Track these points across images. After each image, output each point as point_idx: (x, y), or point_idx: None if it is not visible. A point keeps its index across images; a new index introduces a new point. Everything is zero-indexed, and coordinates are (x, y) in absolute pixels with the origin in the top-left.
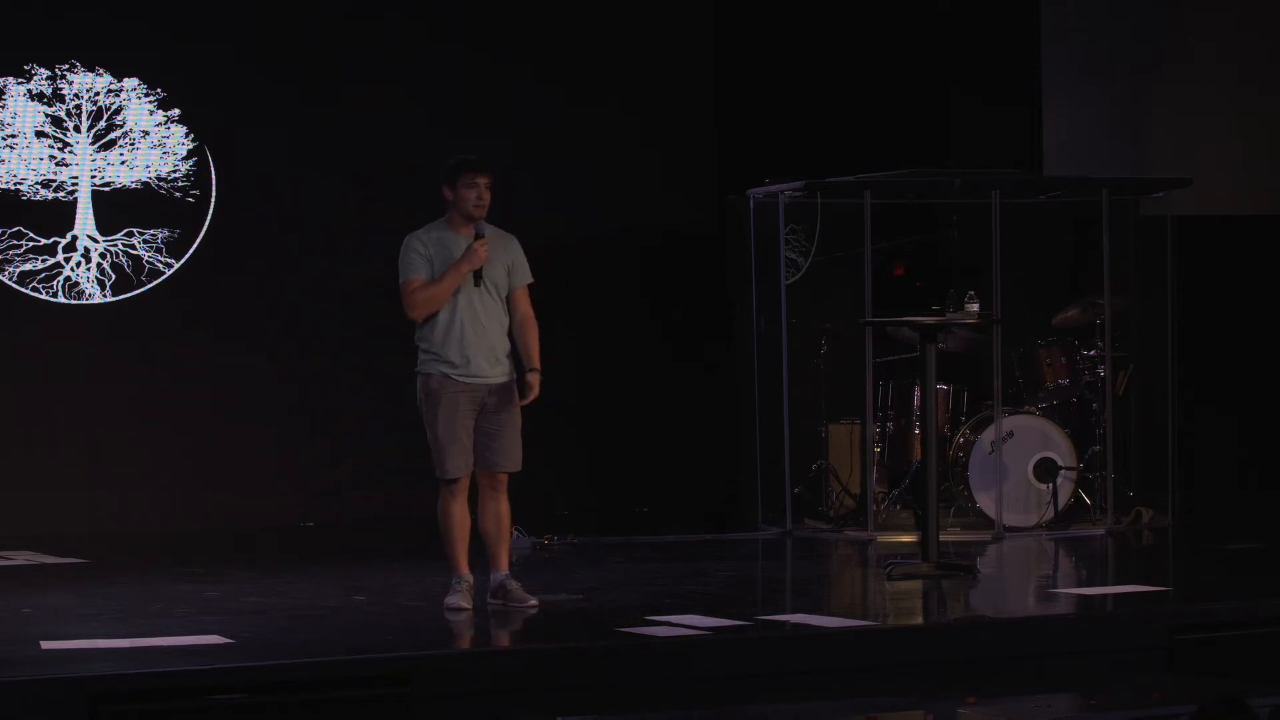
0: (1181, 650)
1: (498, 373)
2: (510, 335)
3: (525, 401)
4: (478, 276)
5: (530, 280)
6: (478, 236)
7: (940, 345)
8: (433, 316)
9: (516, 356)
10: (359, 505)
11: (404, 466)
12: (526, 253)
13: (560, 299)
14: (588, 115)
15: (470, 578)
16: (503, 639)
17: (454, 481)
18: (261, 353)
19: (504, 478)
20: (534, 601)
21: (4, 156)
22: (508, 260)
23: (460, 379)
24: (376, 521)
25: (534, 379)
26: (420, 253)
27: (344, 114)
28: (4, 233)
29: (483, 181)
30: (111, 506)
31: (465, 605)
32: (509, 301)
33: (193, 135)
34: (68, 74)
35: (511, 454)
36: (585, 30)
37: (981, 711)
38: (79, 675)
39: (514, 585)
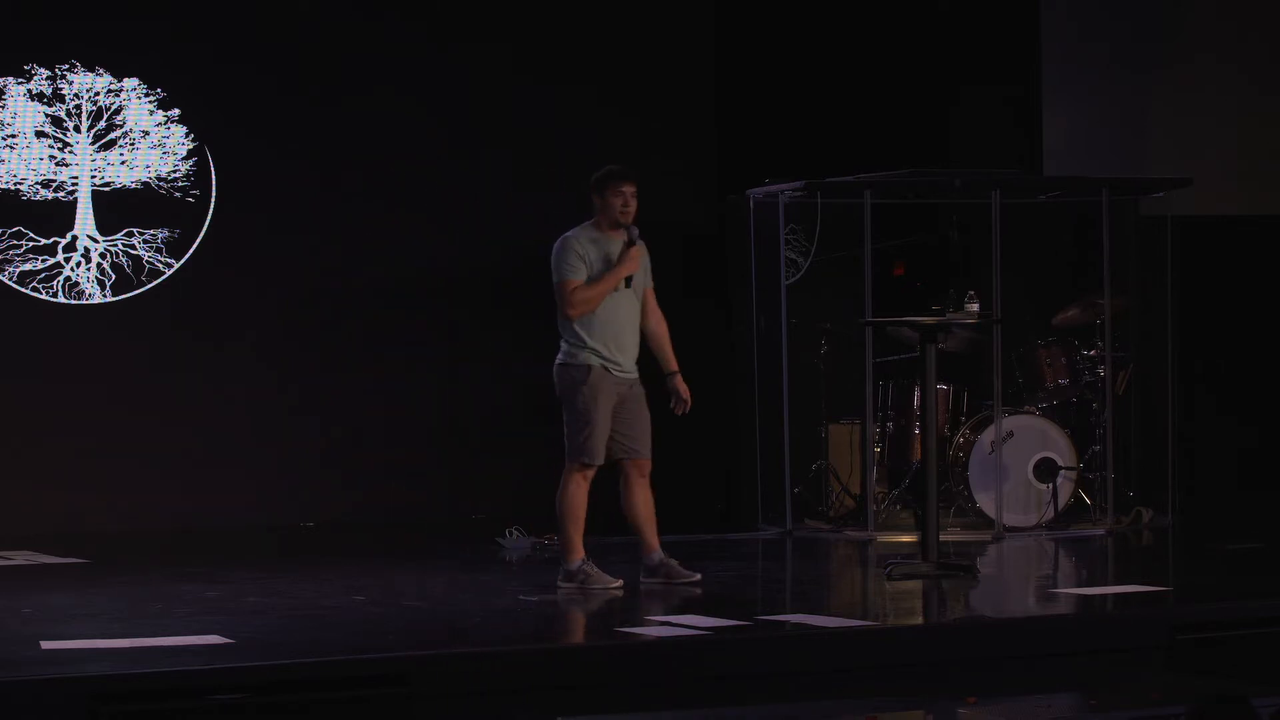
0: (1181, 650)
1: (633, 370)
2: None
3: (686, 409)
4: (628, 279)
5: (652, 284)
6: (631, 242)
7: (940, 345)
8: (590, 314)
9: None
10: (359, 505)
11: (404, 467)
12: (528, 253)
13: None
14: (588, 115)
15: (583, 559)
16: (503, 639)
17: (592, 468)
18: (261, 353)
19: (649, 464)
20: (696, 577)
21: (4, 156)
22: (645, 264)
23: (615, 373)
24: (376, 521)
25: (680, 382)
26: (578, 254)
27: (344, 114)
28: (4, 233)
29: (628, 190)
30: (111, 506)
31: (616, 581)
32: (643, 303)
33: (193, 135)
34: (68, 74)
35: (649, 442)
36: (585, 30)
37: (981, 711)
38: (79, 675)
39: (673, 562)
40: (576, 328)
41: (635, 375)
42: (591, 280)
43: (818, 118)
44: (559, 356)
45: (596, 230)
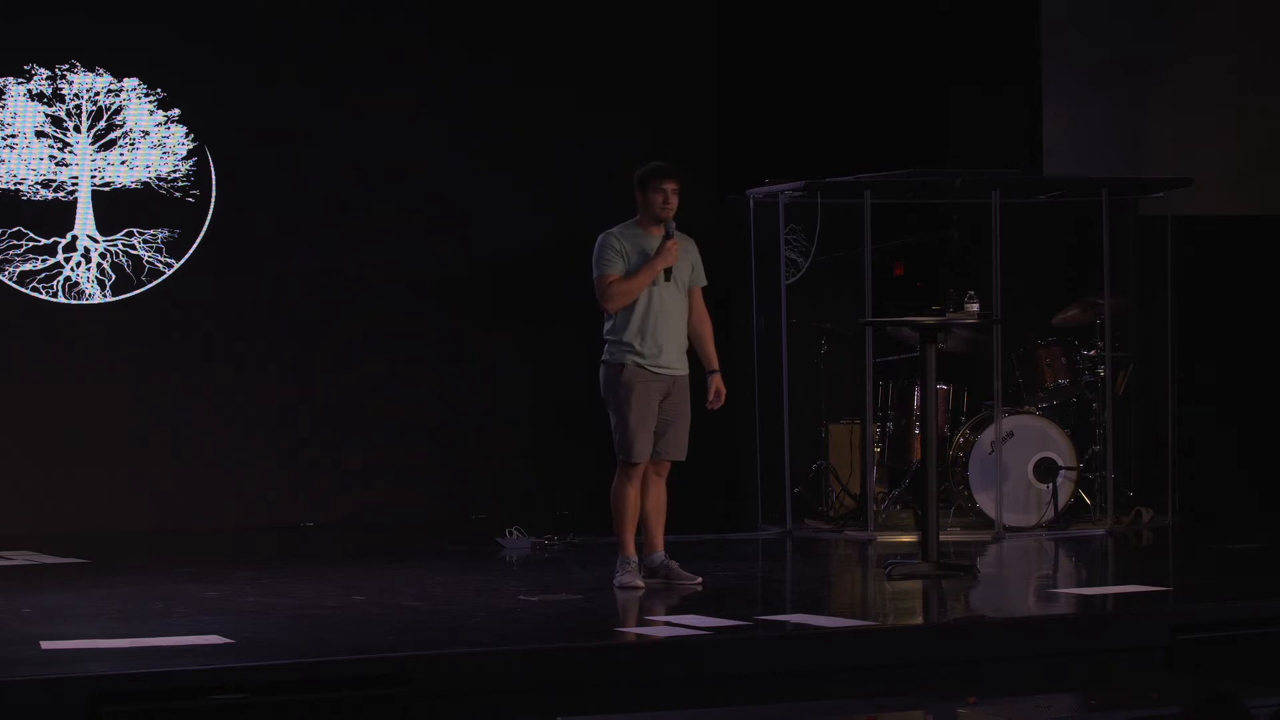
0: (1181, 650)
1: (680, 366)
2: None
3: (718, 405)
4: (668, 273)
5: (705, 283)
6: (668, 236)
7: (940, 345)
8: (627, 309)
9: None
10: (359, 505)
11: (404, 467)
12: (528, 253)
13: (561, 299)
14: (589, 115)
15: (636, 558)
16: (502, 639)
17: (637, 465)
18: (261, 352)
19: (669, 465)
20: (698, 580)
21: (4, 156)
22: (691, 260)
23: (652, 369)
24: (376, 521)
25: (719, 381)
26: (616, 249)
27: (344, 114)
28: (4, 233)
29: (670, 187)
30: (112, 506)
31: (639, 584)
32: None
33: (193, 135)
34: (68, 74)
35: (681, 445)
36: (587, 30)
37: (981, 711)
38: (79, 675)
39: (674, 564)
40: (612, 323)
41: (680, 372)
42: (629, 274)
43: (818, 118)
44: (602, 355)
45: (637, 227)
